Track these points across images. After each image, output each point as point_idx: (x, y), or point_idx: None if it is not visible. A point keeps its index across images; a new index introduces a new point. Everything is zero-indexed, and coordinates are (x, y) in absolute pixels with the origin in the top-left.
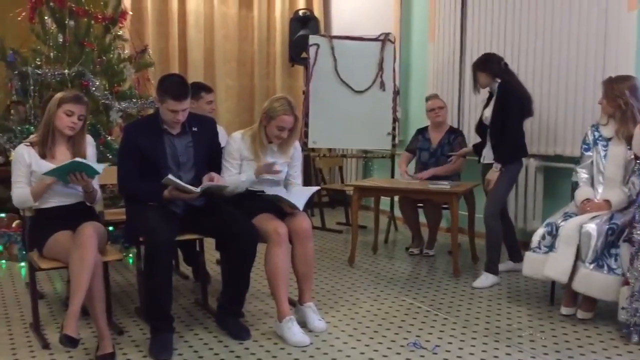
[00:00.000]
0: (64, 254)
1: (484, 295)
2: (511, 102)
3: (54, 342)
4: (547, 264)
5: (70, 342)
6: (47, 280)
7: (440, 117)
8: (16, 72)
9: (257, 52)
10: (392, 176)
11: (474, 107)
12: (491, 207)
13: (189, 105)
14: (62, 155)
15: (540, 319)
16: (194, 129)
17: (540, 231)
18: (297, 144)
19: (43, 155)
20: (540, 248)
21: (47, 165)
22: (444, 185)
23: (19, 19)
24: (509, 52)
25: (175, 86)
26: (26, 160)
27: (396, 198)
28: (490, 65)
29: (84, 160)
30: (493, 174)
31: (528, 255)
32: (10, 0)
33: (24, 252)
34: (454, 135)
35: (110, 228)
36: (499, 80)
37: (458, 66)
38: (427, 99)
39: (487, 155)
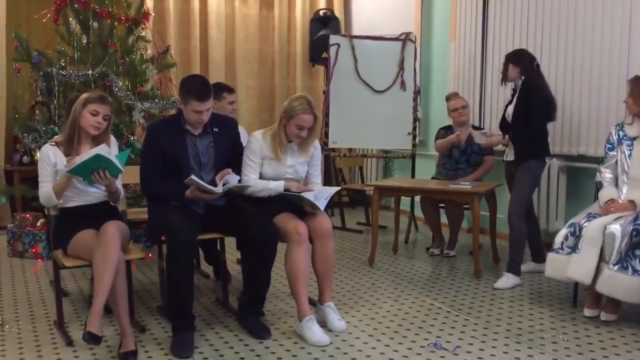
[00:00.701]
0: (87, 252)
1: (505, 296)
2: (535, 99)
3: (78, 339)
4: (570, 265)
5: (93, 339)
6: (71, 279)
7: (464, 117)
8: (41, 73)
9: (277, 52)
10: (413, 176)
11: (496, 107)
12: (515, 206)
13: (212, 105)
14: (84, 150)
15: (563, 321)
16: (215, 129)
17: (563, 232)
18: (317, 143)
19: (68, 155)
20: (563, 249)
21: (72, 165)
22: (465, 185)
23: (44, 20)
24: (531, 51)
25: (198, 87)
26: (51, 159)
27: (417, 198)
28: (521, 60)
29: (105, 154)
30: (494, 139)
31: (550, 256)
32: (35, 2)
33: (49, 251)
34: (479, 133)
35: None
36: (524, 77)
37: (479, 66)
38: (448, 99)
39: (510, 153)
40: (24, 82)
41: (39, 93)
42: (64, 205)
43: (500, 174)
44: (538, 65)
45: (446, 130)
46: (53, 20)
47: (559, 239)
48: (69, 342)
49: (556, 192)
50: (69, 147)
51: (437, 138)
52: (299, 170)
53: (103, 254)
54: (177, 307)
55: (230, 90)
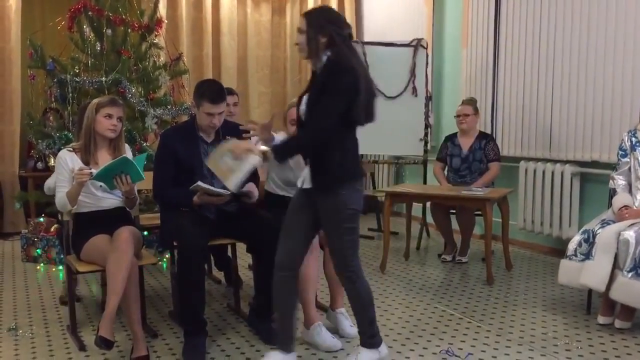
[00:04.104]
0: (101, 257)
1: (518, 303)
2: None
3: (90, 344)
4: (583, 272)
5: (105, 344)
6: (84, 284)
7: (465, 125)
8: (55, 79)
9: (289, 58)
10: (425, 182)
11: (508, 113)
12: (342, 262)
13: (225, 109)
14: (105, 161)
15: (577, 328)
16: (228, 137)
17: (577, 238)
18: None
19: (86, 163)
20: (576, 255)
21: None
22: (477, 192)
23: (58, 28)
24: (544, 57)
25: (211, 89)
26: (69, 164)
27: (428, 204)
28: (328, 25)
29: (131, 159)
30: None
31: (564, 262)
32: (50, 10)
33: (62, 256)
34: (485, 140)
35: (145, 232)
36: (329, 53)
37: (492, 72)
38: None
39: (306, 177)
40: (38, 89)
41: (53, 100)
42: (78, 210)
43: (511, 180)
44: (350, 35)
45: (450, 138)
46: (67, 28)
47: (572, 245)
48: (82, 347)
49: (569, 198)
50: (86, 154)
51: (440, 150)
52: None
53: (116, 260)
54: (189, 313)
55: (230, 92)
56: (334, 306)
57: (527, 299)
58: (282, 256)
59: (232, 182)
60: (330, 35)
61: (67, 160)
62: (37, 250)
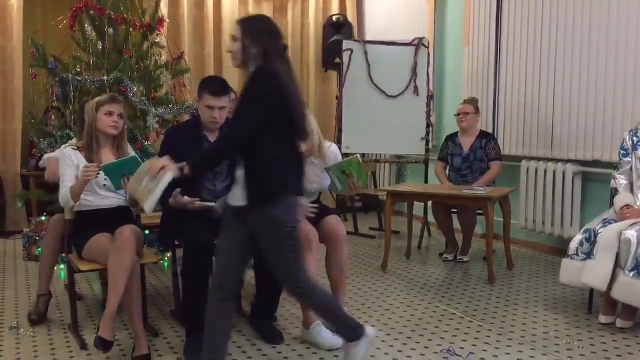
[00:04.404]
0: (102, 256)
1: (519, 303)
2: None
3: (92, 343)
4: (585, 272)
5: (103, 345)
6: (86, 282)
7: (465, 123)
8: (57, 78)
9: (291, 57)
10: (426, 181)
11: (510, 112)
12: (292, 280)
13: (227, 105)
14: (109, 160)
15: (578, 327)
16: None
17: (578, 238)
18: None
19: (90, 161)
20: (578, 255)
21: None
22: (479, 191)
23: (60, 27)
24: (546, 55)
25: (213, 83)
26: (74, 161)
27: (430, 203)
28: (264, 34)
29: (139, 159)
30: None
31: (565, 262)
32: (52, 9)
33: (63, 254)
34: (487, 139)
35: (146, 232)
36: (259, 64)
37: (493, 70)
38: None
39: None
40: (40, 88)
41: (54, 99)
42: (80, 209)
43: (513, 179)
44: (285, 48)
45: (451, 137)
46: (69, 27)
47: (573, 245)
48: (83, 346)
49: (571, 197)
50: (90, 153)
51: (441, 150)
52: None
53: (118, 258)
54: (192, 311)
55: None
56: None
57: (529, 298)
58: (217, 278)
59: (149, 204)
60: (264, 47)
61: (72, 157)
62: (39, 249)
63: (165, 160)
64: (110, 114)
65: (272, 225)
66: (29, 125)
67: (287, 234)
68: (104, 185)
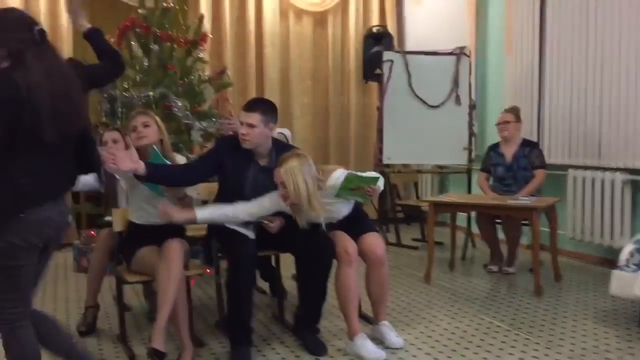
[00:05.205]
0: (150, 268)
1: (568, 315)
2: None
3: (140, 353)
4: (637, 283)
5: (157, 355)
6: (134, 294)
7: (506, 132)
8: (105, 95)
9: (331, 69)
10: (469, 191)
11: (555, 120)
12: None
13: (257, 123)
14: None
15: (629, 341)
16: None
17: (629, 248)
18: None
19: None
20: (629, 266)
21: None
22: (524, 201)
23: None
24: (592, 61)
25: (250, 99)
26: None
27: (473, 214)
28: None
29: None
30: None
31: (616, 273)
32: (102, 28)
33: (113, 266)
34: (530, 147)
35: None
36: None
37: (537, 78)
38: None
39: None
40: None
41: (103, 114)
42: (137, 221)
43: (558, 188)
44: (41, 32)
45: (493, 148)
46: (117, 45)
47: (624, 255)
48: (132, 357)
49: (620, 206)
50: None
51: (483, 160)
52: None
53: (167, 271)
54: (237, 321)
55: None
56: (378, 319)
57: (578, 310)
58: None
59: None
60: (9, 46)
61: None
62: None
63: None
64: (134, 128)
65: None
66: None
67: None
68: (158, 195)
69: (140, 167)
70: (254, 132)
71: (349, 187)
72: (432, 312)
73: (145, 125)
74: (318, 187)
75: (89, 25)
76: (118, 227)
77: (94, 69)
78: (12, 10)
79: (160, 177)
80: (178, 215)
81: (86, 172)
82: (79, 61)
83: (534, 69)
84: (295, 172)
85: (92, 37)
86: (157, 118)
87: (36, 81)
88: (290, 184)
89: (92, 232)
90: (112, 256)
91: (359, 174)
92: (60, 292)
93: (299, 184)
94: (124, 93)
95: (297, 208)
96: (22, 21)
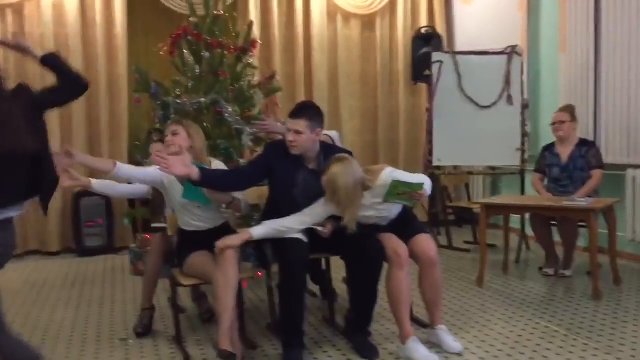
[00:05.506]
0: (202, 272)
1: (628, 320)
2: None
3: (194, 354)
4: None
5: (228, 356)
6: (187, 296)
7: (561, 132)
8: (158, 102)
9: (380, 72)
10: (522, 193)
11: (612, 119)
12: None
13: (303, 129)
14: None
15: None
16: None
17: None
18: None
19: (182, 181)
20: None
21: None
22: (581, 202)
23: (161, 53)
24: None
25: (294, 106)
26: (160, 173)
27: (527, 216)
28: None
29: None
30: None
31: None
32: (153, 37)
33: (167, 269)
34: (586, 147)
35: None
36: None
37: (593, 75)
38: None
39: None
40: (142, 111)
41: (156, 121)
42: (184, 227)
43: (617, 189)
44: None
45: (548, 148)
46: (169, 53)
47: None
48: (187, 358)
49: None
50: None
51: (538, 161)
52: None
53: (224, 278)
54: (289, 324)
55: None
56: (434, 323)
57: (638, 315)
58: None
59: None
60: None
61: (163, 174)
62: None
63: None
64: (166, 137)
65: None
66: (133, 146)
67: None
68: (198, 206)
69: (194, 171)
70: (302, 138)
71: (396, 192)
72: (486, 316)
73: (174, 134)
74: (365, 187)
75: (41, 53)
76: (171, 231)
77: (44, 94)
78: None
79: (212, 181)
80: (236, 241)
81: (37, 192)
82: (27, 88)
83: (589, 65)
84: (337, 178)
85: (47, 61)
86: (193, 127)
87: None
88: (333, 191)
89: (148, 236)
90: (166, 259)
91: (404, 179)
92: (118, 294)
93: (341, 189)
94: (177, 100)
95: (344, 212)
96: None
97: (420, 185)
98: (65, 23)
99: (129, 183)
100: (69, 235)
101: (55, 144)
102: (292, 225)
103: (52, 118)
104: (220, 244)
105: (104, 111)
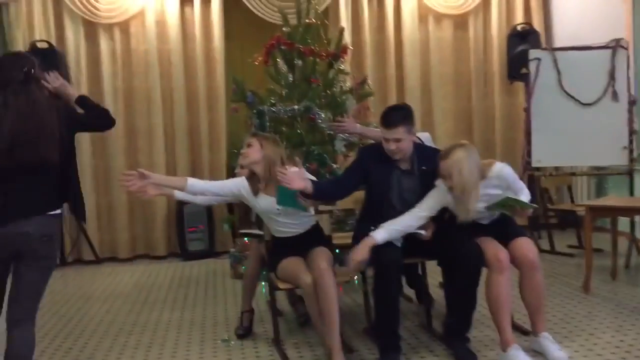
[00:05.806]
0: (292, 277)
1: None
2: None
3: (292, 356)
4: None
5: None
6: (285, 299)
7: None
8: (254, 110)
9: (473, 72)
10: (631, 194)
11: None
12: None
13: (402, 136)
14: (272, 189)
15: None
16: (423, 167)
17: None
18: None
19: (255, 192)
20: None
21: (264, 199)
22: None
23: (256, 63)
24: None
25: (385, 114)
26: (238, 185)
27: (638, 218)
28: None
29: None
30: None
31: None
32: (249, 48)
33: (264, 273)
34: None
35: (337, 250)
36: None
37: None
38: None
39: None
40: (239, 120)
41: (253, 129)
42: (274, 234)
43: None
44: (27, 74)
45: None
46: (263, 63)
47: None
48: (285, 359)
49: None
50: (253, 186)
51: None
52: None
53: (322, 292)
54: (385, 328)
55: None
56: (536, 330)
57: None
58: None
59: None
60: None
61: (238, 182)
62: (244, 268)
63: None
64: (241, 153)
65: None
66: (232, 154)
67: None
68: (278, 212)
69: (309, 185)
70: (402, 145)
71: (504, 204)
72: (593, 324)
73: (248, 146)
74: (484, 175)
75: (76, 94)
76: (267, 236)
77: (80, 115)
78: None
79: (322, 194)
80: (365, 253)
81: (64, 199)
82: (72, 110)
83: None
84: (462, 162)
85: (81, 102)
86: (268, 139)
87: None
88: (456, 175)
89: (247, 241)
90: (264, 264)
91: (518, 198)
92: (220, 297)
93: (465, 174)
94: (272, 108)
95: (460, 200)
96: (16, 62)
97: (530, 206)
98: (167, 39)
99: None
100: (174, 240)
101: (159, 154)
102: (410, 222)
103: (156, 130)
104: (352, 261)
105: (203, 122)
